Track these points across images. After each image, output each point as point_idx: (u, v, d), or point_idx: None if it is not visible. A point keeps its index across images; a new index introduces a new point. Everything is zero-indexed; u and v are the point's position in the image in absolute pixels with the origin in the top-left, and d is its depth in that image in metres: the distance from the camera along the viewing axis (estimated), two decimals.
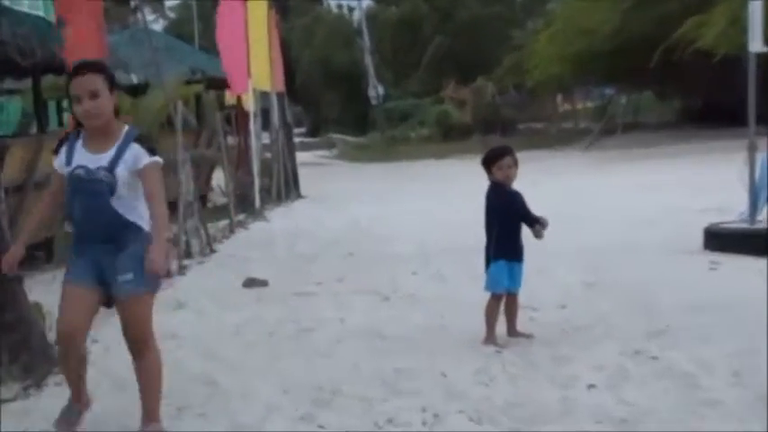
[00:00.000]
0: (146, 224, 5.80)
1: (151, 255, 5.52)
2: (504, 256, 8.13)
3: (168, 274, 6.11)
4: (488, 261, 8.22)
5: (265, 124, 24.78)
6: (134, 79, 21.11)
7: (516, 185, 8.20)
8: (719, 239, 12.19)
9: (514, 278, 8.20)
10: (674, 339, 7.88)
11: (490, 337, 8.05)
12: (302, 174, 27.06)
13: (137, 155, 5.70)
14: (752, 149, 12.34)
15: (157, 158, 5.79)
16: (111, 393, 6.94)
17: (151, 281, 5.81)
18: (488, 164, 8.13)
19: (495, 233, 8.18)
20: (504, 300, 8.22)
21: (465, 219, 11.91)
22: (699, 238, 12.47)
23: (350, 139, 55.45)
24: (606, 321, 8.68)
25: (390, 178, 31.08)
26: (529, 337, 8.20)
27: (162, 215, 5.67)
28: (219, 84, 23.85)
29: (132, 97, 18.45)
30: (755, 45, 12.20)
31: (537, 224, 8.05)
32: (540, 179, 19.32)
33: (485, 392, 6.68)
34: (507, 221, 8.12)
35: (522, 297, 8.51)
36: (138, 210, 5.78)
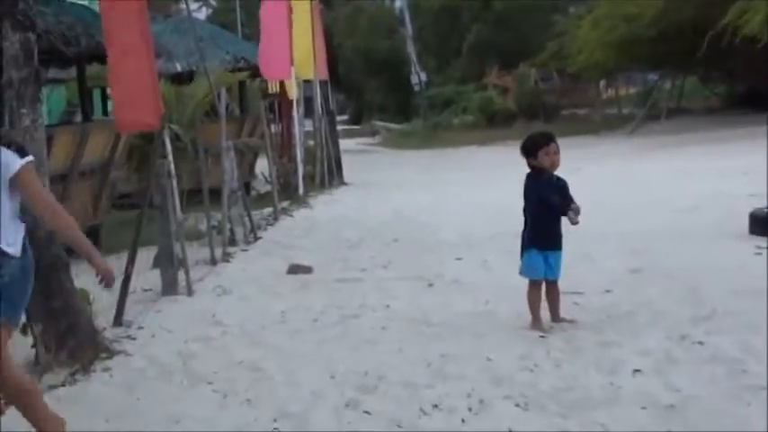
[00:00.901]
0: (12, 247, 5.07)
1: (101, 268, 5.09)
2: (536, 244, 8.12)
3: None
4: (523, 248, 8.22)
5: (308, 112, 24.81)
6: (178, 67, 21.27)
7: (561, 171, 8.18)
8: (765, 224, 12.09)
9: (551, 266, 8.18)
10: (720, 325, 7.83)
11: (536, 323, 8.05)
12: (345, 161, 27.07)
13: (4, 161, 5.00)
14: None
15: (30, 158, 5.09)
16: (158, 380, 7.00)
17: (10, 310, 5.11)
18: (534, 150, 8.09)
19: (528, 221, 8.19)
20: (544, 286, 8.21)
21: (509, 205, 11.85)
22: (744, 223, 12.36)
23: (393, 126, 55.38)
24: (651, 307, 8.64)
25: (434, 165, 31.04)
26: (572, 322, 8.19)
27: (67, 222, 5.20)
28: None
29: (176, 86, 18.55)
30: None
31: (569, 212, 7.99)
32: (586, 165, 19.19)
33: (530, 378, 6.69)
34: (540, 209, 8.09)
35: (567, 283, 8.50)
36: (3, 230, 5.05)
